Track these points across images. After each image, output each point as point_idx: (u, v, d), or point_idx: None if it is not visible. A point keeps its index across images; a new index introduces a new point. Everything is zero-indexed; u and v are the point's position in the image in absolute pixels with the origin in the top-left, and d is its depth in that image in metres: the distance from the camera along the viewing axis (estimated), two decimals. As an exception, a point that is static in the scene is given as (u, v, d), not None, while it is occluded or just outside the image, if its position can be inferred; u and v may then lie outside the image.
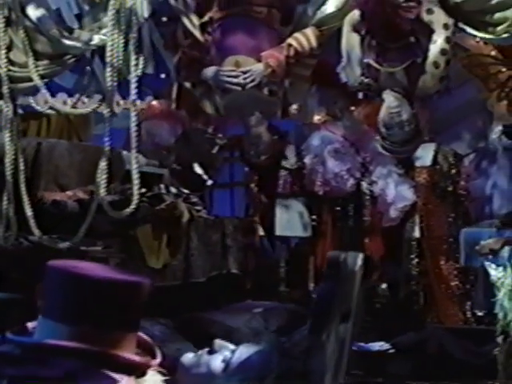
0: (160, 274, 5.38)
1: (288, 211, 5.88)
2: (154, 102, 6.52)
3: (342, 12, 3.39)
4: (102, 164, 3.87)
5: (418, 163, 5.77)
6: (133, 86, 3.58)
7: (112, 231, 4.88)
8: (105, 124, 3.78)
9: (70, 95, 5.54)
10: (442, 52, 3.29)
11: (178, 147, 6.19)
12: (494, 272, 3.20)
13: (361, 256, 3.46)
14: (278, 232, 5.74)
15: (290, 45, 3.36)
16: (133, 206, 3.62)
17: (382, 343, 5.07)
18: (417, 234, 5.64)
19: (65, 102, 5.81)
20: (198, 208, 5.68)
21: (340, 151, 5.61)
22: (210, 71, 3.39)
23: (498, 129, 5.80)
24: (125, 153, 6.08)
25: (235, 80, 3.34)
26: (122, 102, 6.66)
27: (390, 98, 3.34)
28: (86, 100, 4.86)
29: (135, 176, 3.60)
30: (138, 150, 6.39)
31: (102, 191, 4.04)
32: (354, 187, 5.70)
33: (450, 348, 4.97)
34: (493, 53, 5.99)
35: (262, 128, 3.42)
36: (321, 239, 5.84)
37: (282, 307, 5.41)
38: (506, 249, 3.26)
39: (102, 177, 3.73)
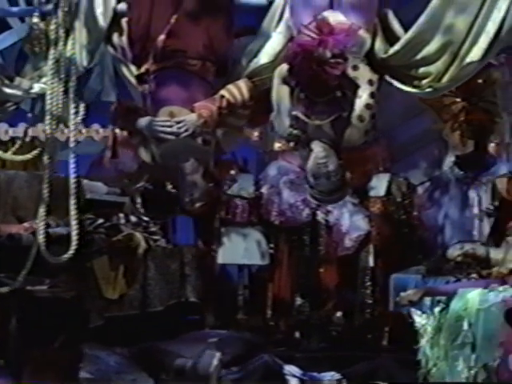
0: (117, 304, 5.47)
1: (246, 239, 5.99)
2: (118, 130, 6.62)
3: (274, 64, 3.49)
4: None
5: (372, 193, 5.88)
6: (72, 133, 3.67)
7: (66, 265, 4.95)
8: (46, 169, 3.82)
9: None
10: (367, 106, 3.39)
11: (149, 168, 6.27)
12: (418, 319, 3.30)
13: (217, 355, 3.54)
14: (229, 260, 5.85)
15: (222, 96, 3.46)
16: (71, 252, 3.69)
17: (333, 373, 5.16)
18: (371, 263, 5.74)
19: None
20: (156, 237, 5.76)
21: (295, 182, 5.71)
22: (144, 121, 3.49)
23: (450, 159, 5.92)
24: (85, 181, 6.21)
25: (169, 130, 3.44)
26: (84, 130, 6.80)
27: (317, 149, 3.44)
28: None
29: (73, 218, 3.66)
30: (99, 178, 6.59)
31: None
32: (310, 217, 5.82)
33: (399, 378, 5.07)
34: (446, 85, 6.14)
35: (197, 176, 3.53)
36: (278, 267, 5.95)
37: (236, 337, 5.51)
38: (428, 298, 3.36)
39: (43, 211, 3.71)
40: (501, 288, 3.19)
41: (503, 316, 2.98)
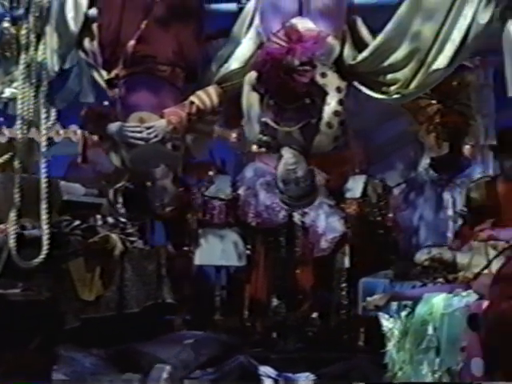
0: (93, 306, 5.48)
1: (223, 241, 6.01)
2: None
3: (244, 69, 3.51)
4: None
5: (348, 195, 5.93)
6: (43, 138, 3.68)
7: (42, 266, 4.94)
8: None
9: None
10: (335, 113, 3.42)
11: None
12: (386, 323, 3.34)
13: (167, 369, 3.58)
14: (206, 261, 5.88)
15: (192, 102, 3.48)
16: (42, 256, 3.70)
17: (308, 374, 5.20)
18: (347, 264, 5.79)
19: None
20: (133, 239, 5.77)
21: (272, 184, 5.71)
22: (114, 126, 3.51)
23: (425, 161, 5.97)
24: (63, 183, 6.21)
25: (139, 135, 3.46)
26: (62, 131, 6.80)
27: (287, 155, 3.47)
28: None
29: (44, 222, 3.66)
30: (77, 180, 6.58)
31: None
32: (286, 218, 5.85)
33: (374, 379, 5.11)
34: (421, 87, 6.19)
35: (167, 181, 3.55)
36: (255, 269, 5.98)
37: (212, 338, 5.53)
38: (395, 302, 3.40)
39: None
40: (464, 293, 3.23)
41: (466, 321, 3.02)
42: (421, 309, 3.24)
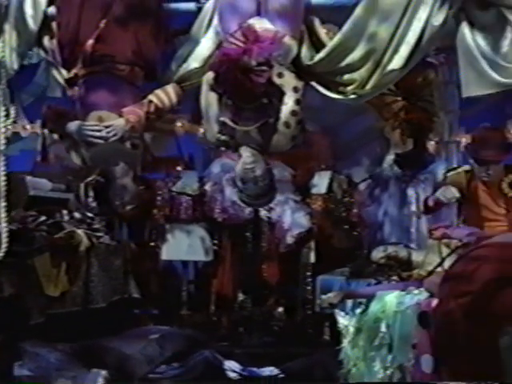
0: (59, 301, 5.49)
1: (190, 236, 6.04)
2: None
3: (203, 69, 3.54)
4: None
5: (314, 190, 5.99)
6: (1, 136, 3.67)
7: (7, 262, 4.93)
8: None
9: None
10: (293, 113, 3.46)
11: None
12: (341, 320, 3.39)
13: (103, 374, 3.62)
14: (173, 256, 5.91)
15: (150, 101, 3.51)
16: (1, 254, 3.71)
17: (272, 368, 5.25)
18: (312, 259, 5.84)
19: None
20: (99, 234, 5.78)
21: (237, 179, 5.77)
22: (73, 125, 3.53)
23: (390, 157, 6.02)
24: (29, 178, 6.19)
25: (98, 134, 3.48)
26: (29, 126, 6.77)
27: (246, 154, 3.50)
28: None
29: (3, 219, 3.67)
30: (44, 175, 6.57)
31: None
32: (252, 214, 5.89)
33: (335, 374, 5.17)
34: (387, 84, 6.24)
35: (127, 179, 3.58)
36: (221, 264, 6.02)
37: (178, 333, 5.56)
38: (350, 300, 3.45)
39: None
40: (416, 291, 3.29)
41: (416, 318, 3.08)
42: (374, 306, 3.29)
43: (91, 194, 6.13)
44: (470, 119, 6.39)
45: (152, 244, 6.02)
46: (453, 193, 4.36)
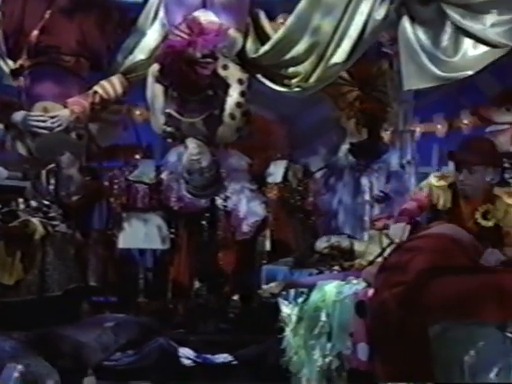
0: (14, 290, 5.49)
1: (146, 224, 6.06)
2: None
3: (149, 61, 3.57)
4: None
5: (269, 179, 6.03)
6: None
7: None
8: None
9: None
10: (238, 105, 3.51)
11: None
12: (285, 309, 3.45)
13: (19, 368, 3.66)
14: (129, 245, 5.92)
15: (95, 92, 3.53)
16: None
17: (226, 355, 5.31)
18: (268, 247, 5.90)
19: None
20: (55, 223, 5.78)
21: (193, 169, 5.80)
22: (18, 116, 3.54)
23: (345, 147, 6.10)
24: (-18, 168, 6.16)
25: (43, 124, 3.50)
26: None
27: (191, 146, 3.54)
28: None
29: None
30: (0, 163, 6.54)
31: None
32: (209, 203, 5.91)
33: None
34: (342, 73, 6.30)
35: (73, 169, 3.61)
36: (178, 252, 6.06)
37: (133, 320, 5.59)
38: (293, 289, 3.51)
39: None
40: (355, 281, 3.36)
41: (353, 307, 3.15)
42: (314, 296, 3.35)
43: (52, 181, 6.13)
44: (424, 109, 6.51)
45: (109, 232, 6.04)
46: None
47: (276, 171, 6.01)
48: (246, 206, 5.91)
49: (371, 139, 5.93)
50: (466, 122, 6.13)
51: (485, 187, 3.90)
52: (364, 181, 5.80)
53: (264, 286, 3.76)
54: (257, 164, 6.14)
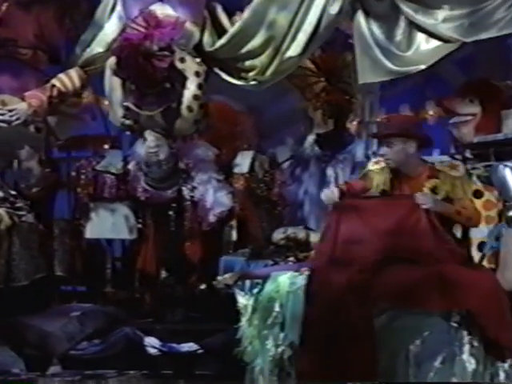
0: (-21, 280, 5.51)
1: (114, 215, 6.09)
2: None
3: (107, 54, 3.59)
4: None
5: (236, 170, 6.07)
6: None
7: None
8: None
9: None
10: (195, 97, 3.54)
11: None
12: (241, 299, 3.51)
13: None
14: (96, 235, 5.94)
15: (53, 85, 3.54)
16: None
17: (191, 344, 5.37)
18: (234, 237, 5.95)
19: None
20: (22, 213, 5.80)
21: (160, 159, 5.83)
22: (-25, 109, 3.54)
23: (311, 137, 6.15)
24: None
25: (1, 117, 3.51)
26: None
27: (150, 138, 3.57)
28: None
29: None
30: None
31: None
32: (175, 193, 5.95)
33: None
34: (309, 65, 6.34)
35: (32, 162, 3.62)
36: (145, 242, 6.09)
37: (99, 310, 5.64)
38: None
39: None
40: (308, 272, 3.41)
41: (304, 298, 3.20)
42: (269, 287, 3.41)
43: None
44: (390, 100, 6.57)
45: (76, 222, 6.05)
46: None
47: (243, 162, 6.05)
48: (212, 196, 5.94)
49: (337, 130, 5.99)
50: (431, 113, 6.20)
51: (413, 162, 4.02)
52: (329, 171, 5.86)
53: (219, 277, 3.81)
54: (225, 154, 6.18)
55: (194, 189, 6.06)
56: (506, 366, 3.09)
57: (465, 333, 2.94)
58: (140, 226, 6.16)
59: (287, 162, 6.22)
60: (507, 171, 5.46)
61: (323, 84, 6.03)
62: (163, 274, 5.98)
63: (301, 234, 3.92)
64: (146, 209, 6.16)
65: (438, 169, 4.10)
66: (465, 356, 2.95)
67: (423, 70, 5.84)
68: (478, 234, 5.02)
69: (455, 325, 2.97)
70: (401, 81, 6.28)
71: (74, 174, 6.31)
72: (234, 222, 6.00)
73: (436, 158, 6.41)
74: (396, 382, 2.90)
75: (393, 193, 3.98)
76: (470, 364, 2.97)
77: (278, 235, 3.94)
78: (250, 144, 6.21)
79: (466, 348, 2.94)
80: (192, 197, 6.09)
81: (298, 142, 6.46)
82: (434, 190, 3.95)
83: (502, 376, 3.09)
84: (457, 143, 5.81)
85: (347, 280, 2.94)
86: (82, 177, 6.19)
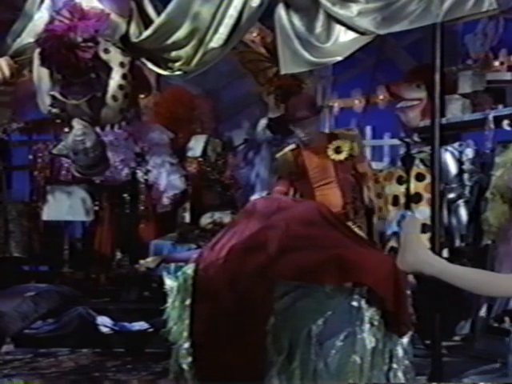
0: None
1: (70, 197, 6.21)
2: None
3: (36, 44, 3.68)
4: None
5: (189, 154, 6.20)
6: None
7: None
8: None
9: None
10: (120, 87, 3.65)
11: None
12: (168, 282, 3.64)
13: None
14: (53, 217, 6.07)
15: (-18, 75, 3.64)
16: None
17: (142, 323, 5.51)
18: (187, 219, 6.08)
19: None
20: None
21: (114, 143, 5.93)
22: None
23: (263, 122, 6.26)
24: None
25: None
26: None
27: (77, 126, 3.68)
28: None
29: None
30: None
31: None
32: (130, 176, 6.07)
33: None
34: (262, 50, 6.44)
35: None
36: (100, 224, 6.22)
37: (54, 290, 5.76)
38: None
39: None
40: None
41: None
42: (188, 269, 3.54)
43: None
44: (342, 85, 6.68)
45: (33, 204, 6.18)
46: None
47: (196, 145, 6.18)
48: (166, 179, 6.07)
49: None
50: (381, 97, 6.31)
51: (319, 133, 4.58)
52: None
53: (141, 261, 3.95)
54: (181, 138, 6.30)
55: (148, 172, 6.19)
56: (405, 342, 3.25)
57: (365, 313, 3.09)
58: (97, 208, 6.32)
59: (242, 145, 6.35)
60: (448, 155, 5.62)
61: (276, 69, 6.11)
62: (118, 255, 6.14)
63: (227, 218, 4.06)
64: (101, 191, 6.30)
65: (336, 132, 4.66)
66: (365, 334, 3.10)
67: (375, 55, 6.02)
68: (421, 215, 5.20)
69: (356, 305, 3.11)
70: (353, 65, 6.42)
71: (31, 157, 6.51)
72: (187, 205, 6.15)
73: (386, 140, 6.60)
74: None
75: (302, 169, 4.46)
76: (370, 342, 3.12)
77: (206, 220, 4.07)
78: (204, 128, 6.33)
79: (366, 327, 3.10)
80: (146, 180, 6.22)
81: (253, 126, 6.58)
82: (337, 150, 4.42)
83: (400, 353, 3.25)
84: (405, 127, 5.94)
85: (255, 263, 3.08)
86: (39, 160, 6.33)
